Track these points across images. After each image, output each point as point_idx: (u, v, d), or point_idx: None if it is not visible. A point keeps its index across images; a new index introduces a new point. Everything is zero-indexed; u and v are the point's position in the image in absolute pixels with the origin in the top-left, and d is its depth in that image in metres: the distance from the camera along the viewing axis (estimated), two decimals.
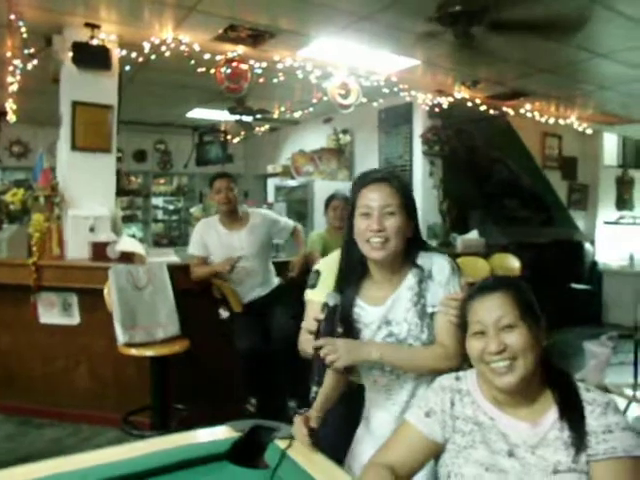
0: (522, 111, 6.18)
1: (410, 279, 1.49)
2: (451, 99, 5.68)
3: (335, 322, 1.36)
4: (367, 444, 1.50)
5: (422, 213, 5.74)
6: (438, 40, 4.10)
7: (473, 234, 5.57)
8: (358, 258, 1.50)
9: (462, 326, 1.26)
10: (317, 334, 1.34)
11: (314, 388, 1.31)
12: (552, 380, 1.18)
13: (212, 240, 3.37)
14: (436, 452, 1.21)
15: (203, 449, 1.34)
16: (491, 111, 5.86)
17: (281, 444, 1.32)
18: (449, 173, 6.06)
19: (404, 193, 1.49)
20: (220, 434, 1.43)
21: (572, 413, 1.11)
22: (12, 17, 3.54)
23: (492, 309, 1.19)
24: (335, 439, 1.54)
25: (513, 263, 4.70)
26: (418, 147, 5.93)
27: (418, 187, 5.89)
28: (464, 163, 6.16)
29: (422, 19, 3.75)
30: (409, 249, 1.49)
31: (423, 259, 1.51)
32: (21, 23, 3.61)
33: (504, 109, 6.03)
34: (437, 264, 1.50)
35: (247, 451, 1.36)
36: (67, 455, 1.34)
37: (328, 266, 1.85)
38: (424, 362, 1.40)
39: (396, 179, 1.50)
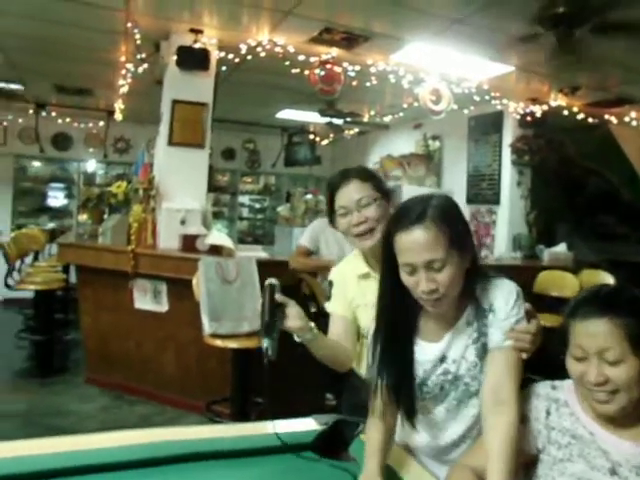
0: (626, 119, 5.81)
1: (469, 312, 1.29)
2: (545, 107, 5.47)
3: (267, 301, 1.42)
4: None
5: (508, 223, 5.69)
6: (536, 44, 3.96)
7: (561, 247, 5.35)
8: (410, 299, 1.28)
9: (562, 339, 1.17)
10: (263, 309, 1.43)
11: (265, 342, 1.38)
12: None
13: (326, 237, 3.38)
14: (527, 461, 1.17)
15: (289, 438, 1.38)
16: (590, 119, 5.58)
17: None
18: (538, 184, 5.88)
19: (450, 231, 1.20)
20: (304, 426, 1.46)
21: None
22: (129, 25, 3.83)
23: (596, 337, 1.08)
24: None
25: (606, 281, 4.44)
26: (507, 156, 5.80)
27: (505, 196, 5.84)
28: (555, 174, 5.91)
29: (520, 22, 3.64)
30: (468, 279, 1.27)
31: (484, 290, 1.29)
32: (136, 30, 3.89)
33: (605, 117, 5.72)
34: (500, 295, 1.28)
35: (331, 444, 1.39)
36: None
37: (340, 276, 1.76)
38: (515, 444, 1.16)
39: (435, 215, 1.20)
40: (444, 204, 1.24)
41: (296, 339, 1.53)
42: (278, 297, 1.44)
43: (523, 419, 1.17)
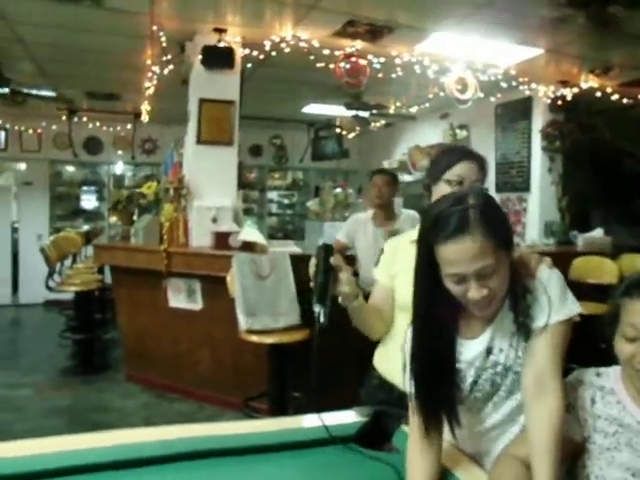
0: None
1: (510, 299, 1.20)
2: (576, 90, 5.34)
3: (322, 263, 1.42)
4: None
5: (539, 210, 5.59)
6: (566, 25, 3.86)
7: (597, 232, 5.22)
8: (450, 299, 1.17)
9: (610, 321, 1.14)
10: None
11: (317, 308, 1.37)
12: None
13: (360, 235, 3.52)
14: (573, 450, 1.16)
15: (331, 430, 1.39)
16: (624, 100, 5.42)
17: (408, 430, 1.34)
18: (570, 169, 5.75)
19: (496, 233, 1.10)
20: (346, 418, 1.47)
21: None
22: (154, 28, 3.89)
23: None
24: None
25: None
26: (537, 143, 5.71)
27: (536, 183, 5.76)
28: (587, 158, 5.76)
29: (549, 3, 3.56)
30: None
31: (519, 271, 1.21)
32: (161, 33, 3.96)
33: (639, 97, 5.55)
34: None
35: (373, 435, 1.39)
36: None
37: (394, 243, 1.85)
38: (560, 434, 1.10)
39: (478, 219, 1.09)
40: (483, 203, 1.12)
41: (341, 303, 1.55)
42: (332, 260, 1.45)
43: (568, 408, 1.15)
